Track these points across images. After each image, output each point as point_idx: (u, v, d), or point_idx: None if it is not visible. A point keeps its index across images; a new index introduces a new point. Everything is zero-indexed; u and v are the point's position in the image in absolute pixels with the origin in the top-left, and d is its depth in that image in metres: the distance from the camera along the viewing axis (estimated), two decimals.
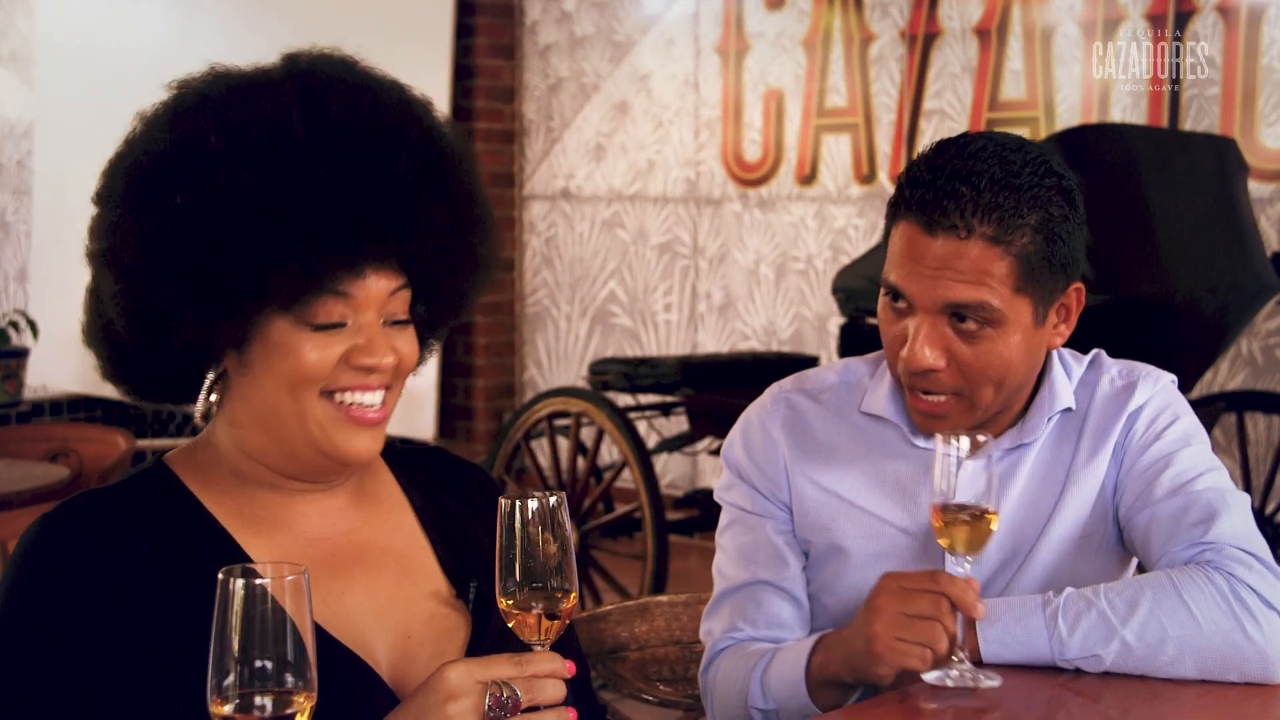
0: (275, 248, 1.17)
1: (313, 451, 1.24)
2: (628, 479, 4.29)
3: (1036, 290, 1.49)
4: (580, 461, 4.34)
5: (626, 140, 5.87)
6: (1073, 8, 4.68)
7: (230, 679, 0.97)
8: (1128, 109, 4.59)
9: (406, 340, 1.27)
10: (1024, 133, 4.74)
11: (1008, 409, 1.58)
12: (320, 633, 1.20)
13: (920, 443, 1.60)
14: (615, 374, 4.52)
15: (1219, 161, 3.62)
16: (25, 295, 7.50)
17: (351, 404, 1.24)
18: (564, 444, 4.40)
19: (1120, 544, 1.59)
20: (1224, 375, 4.46)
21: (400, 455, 1.41)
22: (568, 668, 1.13)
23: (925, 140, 4.99)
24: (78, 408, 6.63)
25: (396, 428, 5.14)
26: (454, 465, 1.46)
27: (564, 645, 1.37)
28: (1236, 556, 1.44)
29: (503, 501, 1.16)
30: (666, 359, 4.51)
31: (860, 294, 3.83)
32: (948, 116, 4.99)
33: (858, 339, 3.81)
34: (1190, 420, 1.59)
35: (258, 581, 0.98)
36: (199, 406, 1.27)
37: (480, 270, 1.33)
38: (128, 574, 1.17)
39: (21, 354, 6.56)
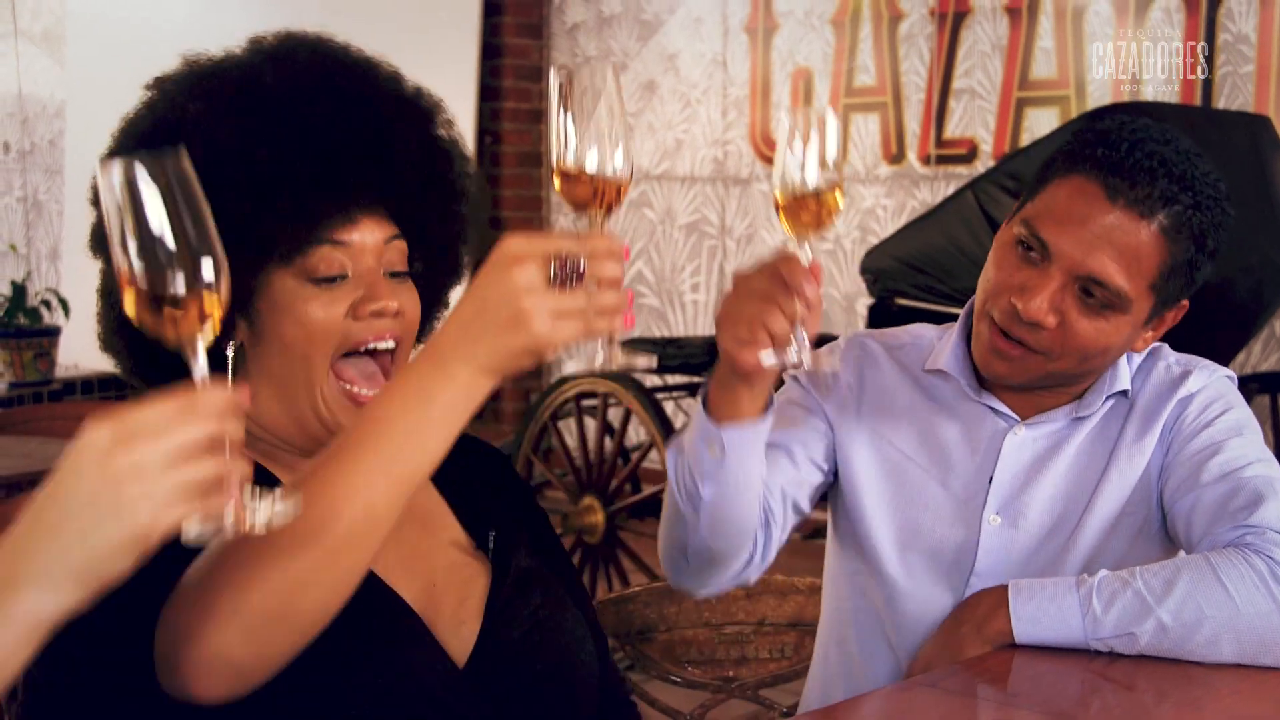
0: (263, 195, 1.20)
1: (319, 425, 1.27)
2: (655, 459, 4.29)
3: (1163, 293, 1.51)
4: (608, 442, 4.34)
5: (654, 119, 5.84)
6: None
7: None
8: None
9: (408, 293, 1.30)
10: (1054, 112, 4.73)
11: (1067, 385, 1.58)
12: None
13: (975, 396, 1.61)
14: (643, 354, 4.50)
15: (1253, 140, 3.58)
16: (57, 274, 7.55)
17: (358, 391, 1.27)
18: (591, 424, 4.40)
19: (1164, 531, 1.58)
20: (1256, 356, 4.42)
21: None
22: (624, 250, 1.09)
23: (955, 120, 4.96)
24: (109, 386, 6.67)
25: None
26: (465, 440, 1.48)
27: (589, 623, 1.38)
28: (1278, 541, 1.42)
29: (555, 71, 1.11)
30: (694, 339, 4.50)
31: (888, 274, 3.81)
32: (978, 95, 4.95)
33: (886, 319, 3.79)
34: (1244, 413, 1.59)
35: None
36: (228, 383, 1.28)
37: (461, 219, 1.36)
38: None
39: (53, 332, 6.60)
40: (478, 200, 1.40)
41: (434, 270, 1.37)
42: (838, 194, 1.24)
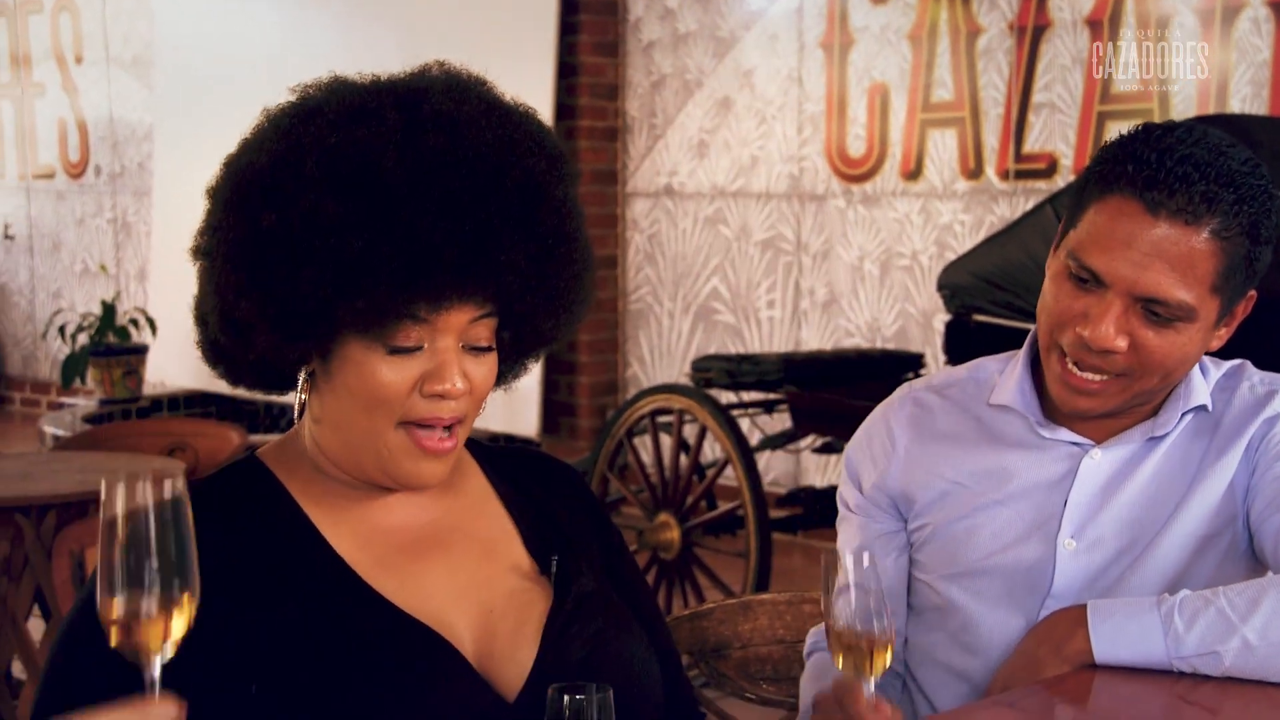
0: (348, 281, 1.18)
1: (379, 472, 1.27)
2: (730, 476, 4.28)
3: (1228, 292, 1.48)
4: (683, 459, 4.34)
5: (729, 136, 5.85)
6: None
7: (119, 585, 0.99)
8: (1248, 99, 4.45)
9: (483, 367, 1.27)
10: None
11: (1148, 402, 1.55)
12: (398, 613, 1.23)
13: (1045, 433, 1.58)
14: (718, 371, 4.50)
15: None
16: (145, 294, 7.72)
17: (423, 437, 1.25)
18: (666, 441, 4.40)
19: (1250, 552, 1.55)
20: None
21: (491, 452, 1.43)
22: None
23: (1034, 135, 4.91)
24: (194, 403, 6.80)
25: (501, 425, 5.22)
26: (540, 459, 1.49)
27: (658, 640, 1.38)
28: None
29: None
30: (769, 356, 4.48)
31: (966, 290, 3.77)
32: (1057, 110, 4.89)
33: (963, 336, 3.76)
34: None
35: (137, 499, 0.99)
36: (295, 403, 1.30)
37: (568, 308, 1.32)
38: (216, 559, 1.19)
39: (141, 351, 6.75)
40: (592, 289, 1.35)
41: (521, 341, 1.34)
42: (889, 650, 1.27)
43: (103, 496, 0.99)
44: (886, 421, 1.67)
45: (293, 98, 1.26)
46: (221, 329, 1.25)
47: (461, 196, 1.20)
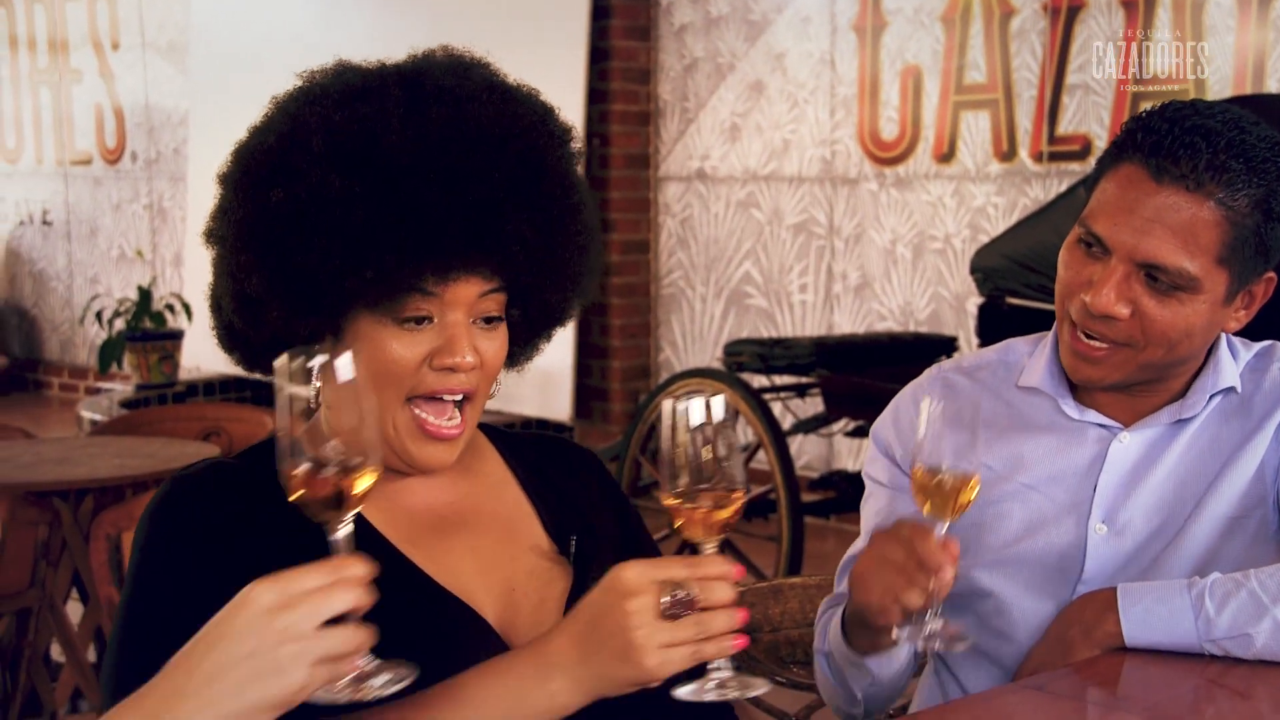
0: (354, 253, 1.20)
1: (389, 450, 1.28)
2: (762, 460, 4.28)
3: (1237, 266, 1.46)
4: None
5: (762, 120, 5.83)
6: None
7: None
8: None
9: (493, 341, 1.29)
10: None
11: (1164, 381, 1.55)
12: (433, 584, 1.26)
13: (1073, 414, 1.58)
14: (750, 355, 4.50)
15: None
16: (180, 279, 7.78)
17: (428, 420, 1.27)
18: None
19: None
20: None
21: (508, 437, 1.45)
22: (736, 570, 1.13)
23: (1068, 116, 4.87)
24: (229, 388, 6.85)
25: (534, 410, 5.23)
26: (558, 442, 1.50)
27: None
28: None
29: (667, 404, 1.16)
30: (802, 340, 4.48)
31: (999, 273, 3.75)
32: (1092, 91, 4.85)
33: (996, 319, 3.74)
34: None
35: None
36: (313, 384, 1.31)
37: (574, 282, 1.33)
38: (250, 526, 1.23)
39: (177, 336, 6.81)
40: (600, 259, 1.37)
41: (531, 318, 1.36)
42: (974, 485, 1.32)
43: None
44: (914, 399, 1.66)
45: (299, 82, 1.29)
46: (235, 310, 1.27)
47: (464, 168, 1.22)
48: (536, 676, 1.11)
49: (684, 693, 1.13)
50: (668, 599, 1.08)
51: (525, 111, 1.28)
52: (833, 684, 1.58)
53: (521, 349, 1.39)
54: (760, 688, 1.16)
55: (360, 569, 1.00)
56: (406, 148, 1.21)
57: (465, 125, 1.23)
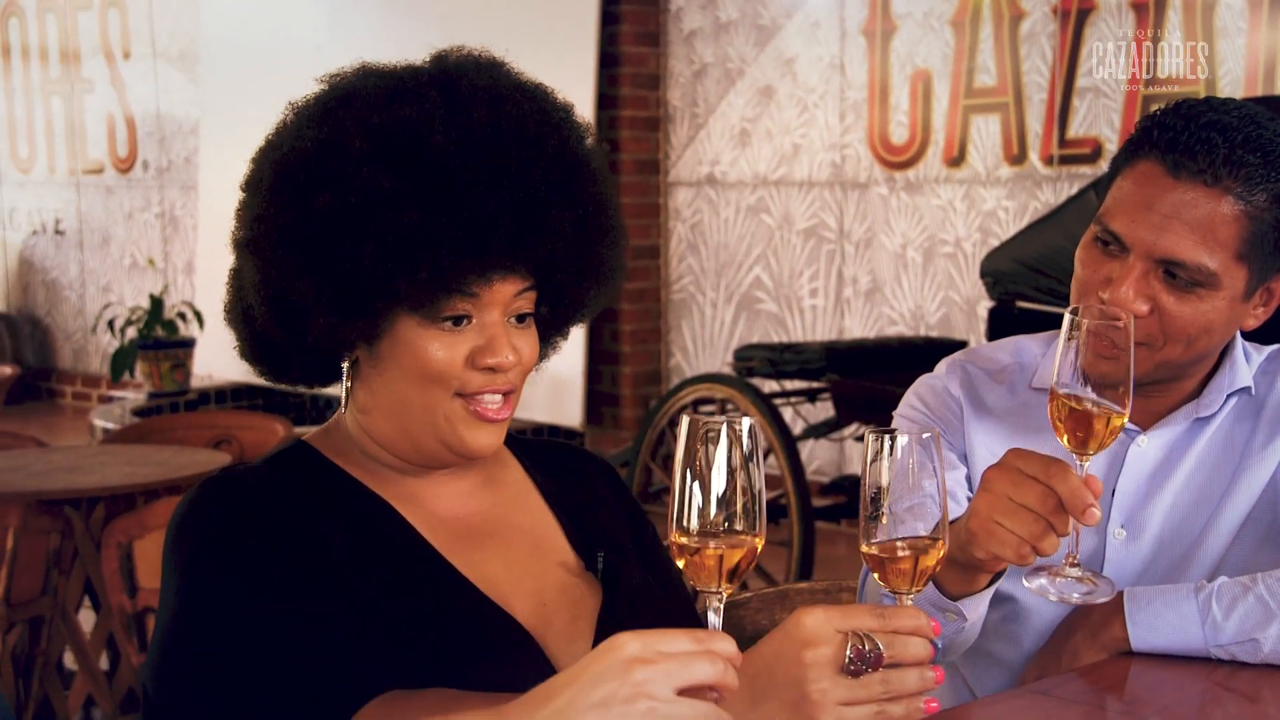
0: (408, 254, 1.20)
1: (437, 443, 1.28)
2: (773, 465, 4.28)
3: (1257, 262, 1.45)
4: None
5: (771, 125, 5.83)
6: None
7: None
8: None
9: (527, 339, 1.30)
10: None
11: (1178, 381, 1.54)
12: (472, 589, 1.25)
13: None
14: (760, 360, 4.50)
15: None
16: (192, 287, 7.81)
17: (480, 401, 1.27)
18: None
19: None
20: None
21: (526, 445, 1.45)
22: (933, 627, 1.06)
23: (1078, 119, 4.86)
24: (240, 396, 6.87)
25: (545, 415, 5.24)
26: (572, 450, 1.50)
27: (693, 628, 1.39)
28: None
29: (874, 438, 1.09)
30: (812, 344, 4.48)
31: (1009, 277, 3.75)
32: (1102, 94, 4.84)
33: (1007, 323, 3.73)
34: None
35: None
36: (342, 392, 1.32)
37: (606, 277, 1.34)
38: (289, 525, 1.22)
39: (189, 344, 6.83)
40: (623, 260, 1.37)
41: (558, 313, 1.37)
42: (1122, 419, 1.23)
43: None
44: (941, 382, 1.64)
45: (323, 86, 1.28)
46: (274, 318, 1.26)
47: (509, 166, 1.23)
48: None
49: None
50: (851, 652, 1.01)
51: (553, 108, 1.30)
52: None
53: (544, 346, 1.39)
54: None
55: (729, 647, 0.95)
56: (452, 148, 1.21)
57: (506, 124, 1.24)
